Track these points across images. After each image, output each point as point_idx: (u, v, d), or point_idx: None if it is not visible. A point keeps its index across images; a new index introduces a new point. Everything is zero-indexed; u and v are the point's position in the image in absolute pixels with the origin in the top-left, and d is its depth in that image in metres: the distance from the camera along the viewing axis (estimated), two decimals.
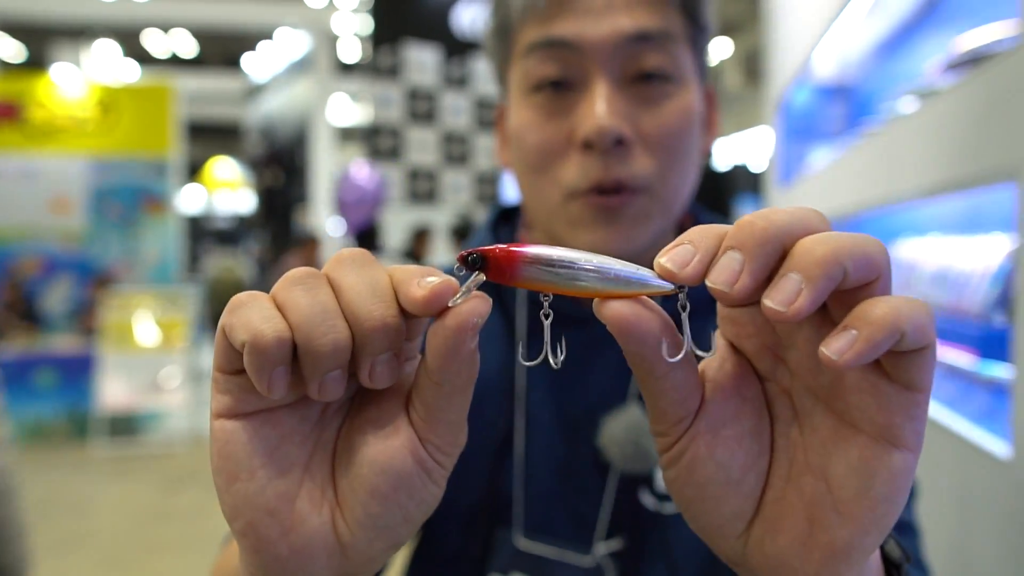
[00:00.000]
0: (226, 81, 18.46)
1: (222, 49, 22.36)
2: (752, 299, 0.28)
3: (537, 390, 0.70)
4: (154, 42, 16.47)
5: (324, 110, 11.95)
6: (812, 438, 0.32)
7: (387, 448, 0.33)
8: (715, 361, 0.34)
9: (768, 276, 0.28)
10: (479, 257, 0.31)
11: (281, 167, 12.35)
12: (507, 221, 0.80)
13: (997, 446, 0.94)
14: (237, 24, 13.55)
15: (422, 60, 7.57)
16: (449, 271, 0.33)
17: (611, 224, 0.63)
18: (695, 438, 0.32)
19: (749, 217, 0.29)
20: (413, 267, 0.32)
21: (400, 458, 0.33)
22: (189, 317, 5.94)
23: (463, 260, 0.32)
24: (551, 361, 0.33)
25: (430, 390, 0.32)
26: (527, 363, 0.34)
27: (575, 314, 0.69)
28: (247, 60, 16.87)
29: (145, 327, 5.54)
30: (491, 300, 0.32)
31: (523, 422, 0.69)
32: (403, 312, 0.31)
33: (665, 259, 0.29)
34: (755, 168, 7.38)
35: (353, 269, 0.32)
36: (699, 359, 0.33)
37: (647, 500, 0.65)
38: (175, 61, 19.25)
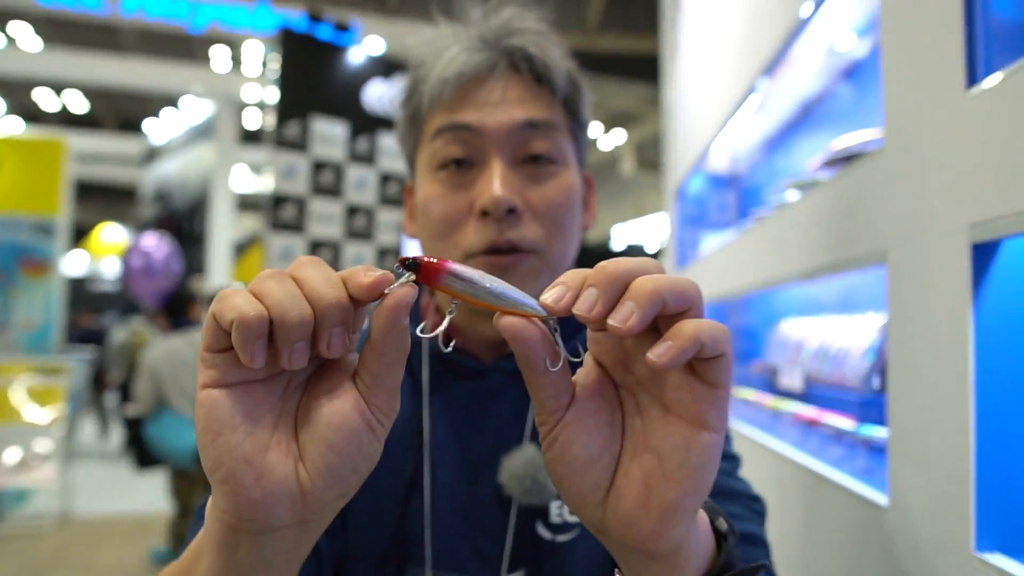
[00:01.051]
0: (120, 143, 17.90)
1: (119, 110, 21.73)
2: (604, 322, 0.37)
3: (441, 436, 0.76)
4: (45, 99, 15.80)
5: (225, 178, 11.73)
6: (649, 425, 0.41)
7: (340, 409, 0.41)
8: (583, 370, 0.44)
9: (615, 305, 0.38)
10: (414, 262, 0.40)
11: (174, 233, 11.94)
12: None
13: (877, 496, 1.03)
14: (137, 86, 13.26)
15: (329, 133, 7.60)
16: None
17: (503, 278, 0.72)
18: (566, 426, 0.42)
19: (603, 264, 0.39)
20: (358, 266, 0.41)
21: (351, 417, 0.41)
22: (67, 387, 5.57)
23: (402, 262, 0.41)
24: (440, 345, 0.44)
25: (374, 361, 0.41)
26: (423, 335, 0.43)
27: (475, 367, 0.77)
28: (145, 123, 16.46)
29: (15, 397, 5.15)
30: (417, 288, 0.41)
31: (428, 466, 0.74)
32: (351, 300, 0.40)
33: (546, 296, 0.39)
34: (650, 249, 7.77)
35: (311, 266, 0.40)
36: (573, 367, 0.43)
37: (543, 532, 0.72)
38: (66, 119, 18.49)
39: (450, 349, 0.49)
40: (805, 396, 1.88)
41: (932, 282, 0.89)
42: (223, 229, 11.65)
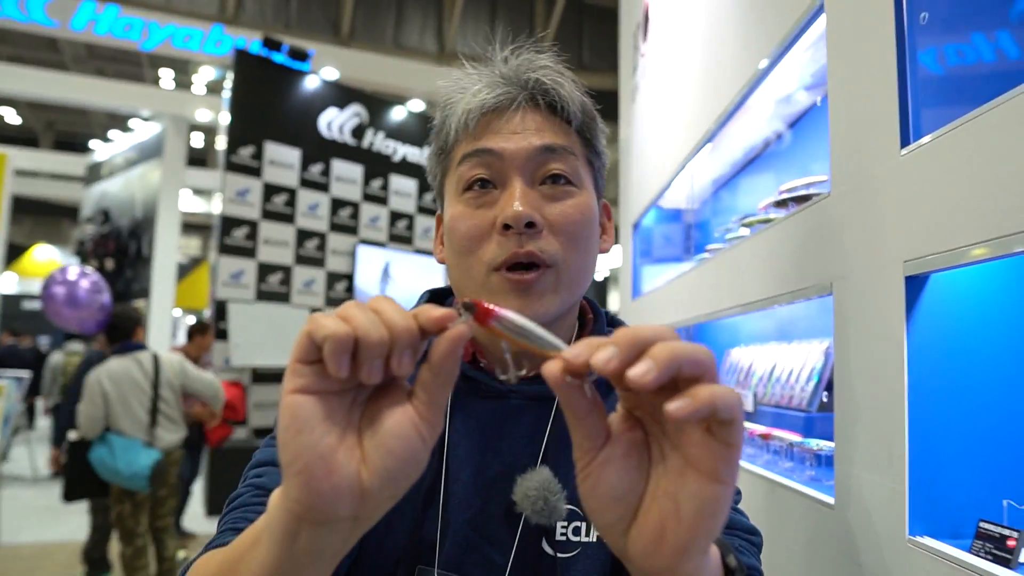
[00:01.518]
0: (57, 161, 17.44)
1: (56, 127, 21.15)
2: (623, 378, 0.44)
3: (460, 450, 0.82)
4: None
5: (172, 199, 11.53)
6: (670, 474, 0.47)
7: (399, 421, 0.47)
8: (617, 417, 0.51)
9: (631, 363, 0.43)
10: (472, 305, 0.48)
11: (114, 254, 11.62)
12: (439, 301, 0.94)
13: (825, 497, 1.18)
14: (83, 103, 13.00)
15: (282, 159, 7.61)
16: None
17: (524, 296, 0.77)
18: (599, 464, 0.48)
19: (626, 328, 0.46)
20: (426, 306, 0.48)
21: (407, 428, 0.47)
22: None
23: (463, 304, 0.48)
24: (510, 376, 0.52)
25: (430, 382, 0.47)
26: (502, 377, 0.52)
27: (497, 388, 0.84)
28: (88, 142, 16.09)
29: None
30: (471, 329, 0.48)
31: (444, 478, 0.81)
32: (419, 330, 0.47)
33: (567, 353, 0.45)
34: (598, 279, 7.95)
35: (386, 302, 0.47)
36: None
37: (547, 548, 0.80)
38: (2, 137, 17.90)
39: (510, 376, 0.52)
40: (754, 417, 2.04)
41: (872, 310, 1.05)
42: (168, 250, 11.43)
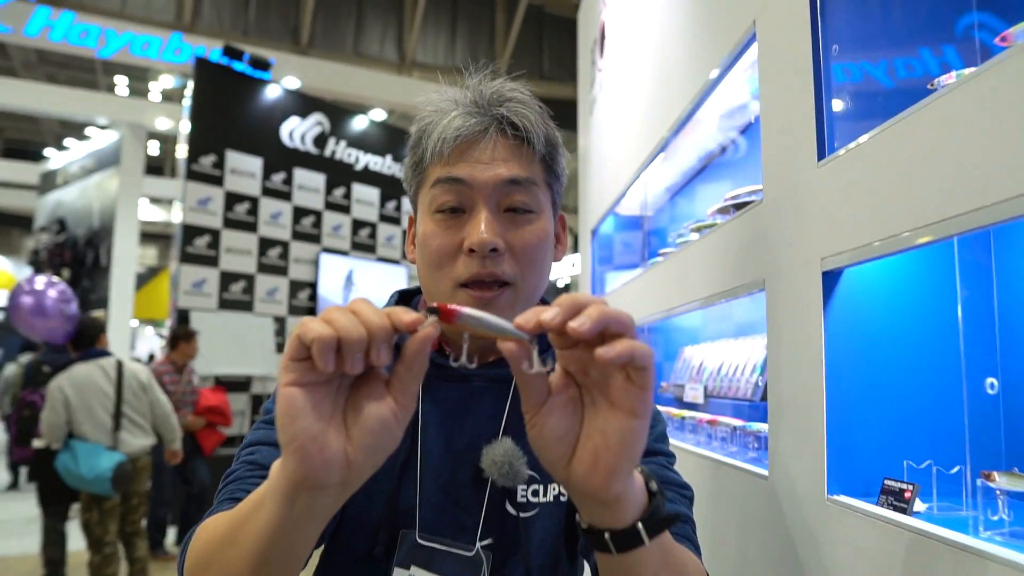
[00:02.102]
0: (8, 169, 17.07)
1: (11, 135, 20.64)
2: (564, 329, 0.55)
3: (430, 428, 0.95)
4: None
5: (130, 208, 11.40)
6: (599, 414, 0.58)
7: (378, 405, 0.57)
8: (555, 376, 0.61)
9: (571, 319, 0.55)
10: (436, 308, 0.57)
11: (70, 263, 11.43)
12: (407, 301, 1.08)
13: (760, 470, 1.32)
14: (36, 111, 12.78)
15: (244, 167, 7.62)
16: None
17: (487, 309, 0.87)
18: (543, 414, 0.59)
19: (571, 296, 0.58)
20: (398, 308, 0.56)
21: (384, 411, 0.57)
22: None
23: (428, 308, 0.57)
24: (464, 362, 0.61)
25: (405, 374, 0.57)
26: (454, 364, 0.62)
27: (461, 372, 0.96)
28: (41, 150, 15.77)
29: None
30: (439, 329, 0.57)
31: (418, 452, 0.94)
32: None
33: (519, 319, 0.56)
34: (560, 283, 8.10)
35: (363, 304, 0.56)
36: (548, 373, 0.60)
37: (510, 509, 0.93)
38: None
39: (469, 362, 0.61)
40: (705, 408, 2.19)
41: (797, 303, 1.20)
42: (127, 260, 11.30)
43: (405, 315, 0.55)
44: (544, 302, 1.03)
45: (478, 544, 0.91)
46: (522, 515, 0.93)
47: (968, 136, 0.82)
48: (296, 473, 0.55)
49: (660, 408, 1.03)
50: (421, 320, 0.56)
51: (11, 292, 3.93)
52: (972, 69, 0.84)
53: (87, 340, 4.09)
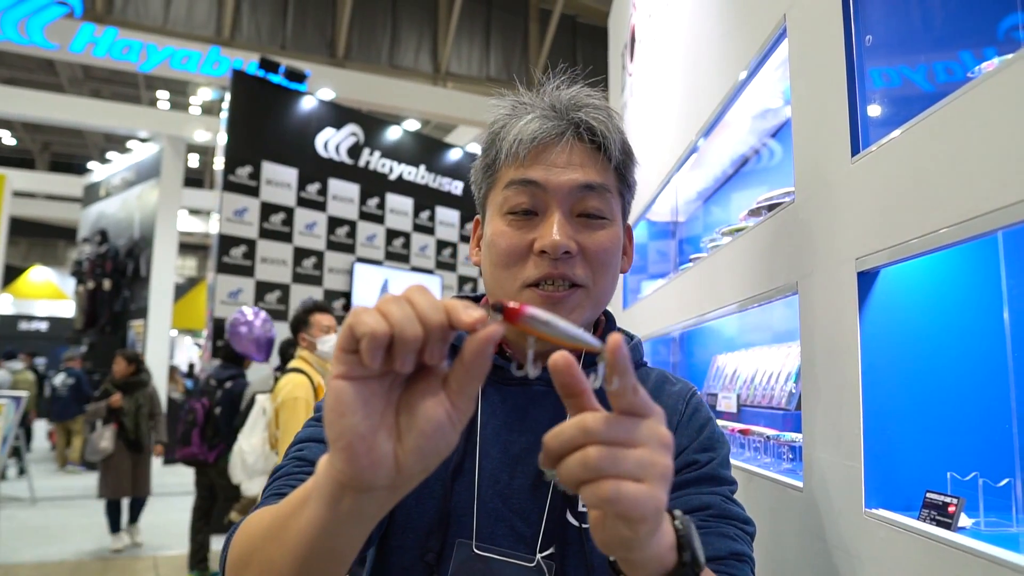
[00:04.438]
0: (54, 182, 17.55)
1: (52, 148, 21.27)
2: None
3: (488, 431, 0.91)
4: None
5: (170, 219, 11.62)
6: None
7: (432, 406, 0.52)
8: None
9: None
10: (500, 306, 0.52)
11: (111, 274, 11.68)
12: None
13: (795, 481, 1.27)
14: (82, 124, 13.13)
15: (279, 178, 7.71)
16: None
17: (554, 310, 0.84)
18: None
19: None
20: (458, 301, 0.51)
21: (439, 413, 0.52)
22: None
23: (492, 306, 0.52)
24: (528, 371, 0.55)
25: (462, 373, 0.52)
26: (517, 373, 0.58)
27: (520, 378, 0.93)
28: (84, 163, 16.20)
29: None
30: (503, 328, 0.51)
31: (476, 455, 0.90)
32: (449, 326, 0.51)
33: (610, 341, 0.50)
34: None
35: (420, 294, 0.51)
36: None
37: (571, 519, 0.88)
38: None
39: (528, 371, 0.55)
40: (738, 417, 2.13)
41: (831, 305, 1.14)
42: (166, 270, 11.51)
43: (465, 313, 0.50)
44: (608, 318, 1.01)
45: (538, 555, 0.86)
46: (584, 525, 0.87)
47: (1009, 124, 0.76)
48: (342, 473, 0.51)
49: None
50: (483, 320, 0.51)
51: (231, 321, 4.78)
52: (1012, 55, 0.79)
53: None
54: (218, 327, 6.98)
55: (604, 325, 1.00)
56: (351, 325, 0.50)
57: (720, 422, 2.15)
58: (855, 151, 1.08)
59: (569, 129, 0.89)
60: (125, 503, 6.30)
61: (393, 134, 8.86)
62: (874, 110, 1.11)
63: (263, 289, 7.49)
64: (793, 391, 1.81)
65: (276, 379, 4.82)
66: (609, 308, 1.01)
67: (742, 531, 0.85)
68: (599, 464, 0.50)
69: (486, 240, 0.93)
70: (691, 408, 0.94)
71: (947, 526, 0.90)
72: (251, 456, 3.96)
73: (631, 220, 3.33)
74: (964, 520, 0.92)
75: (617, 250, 0.91)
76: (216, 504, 5.17)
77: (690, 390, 0.96)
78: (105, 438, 6.00)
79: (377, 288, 8.29)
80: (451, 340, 0.52)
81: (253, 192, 7.46)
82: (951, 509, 0.91)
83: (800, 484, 1.24)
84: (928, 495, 0.96)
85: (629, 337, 1.01)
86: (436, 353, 0.51)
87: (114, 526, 6.15)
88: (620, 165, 0.92)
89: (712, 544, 0.80)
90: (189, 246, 21.78)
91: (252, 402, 4.23)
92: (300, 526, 0.58)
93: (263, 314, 4.97)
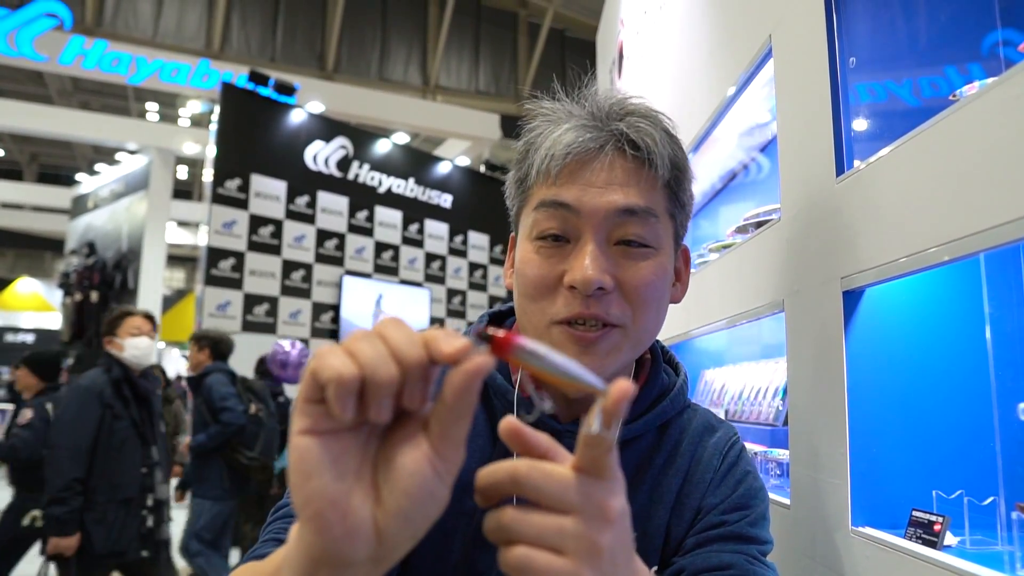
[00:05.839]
0: (41, 193, 17.45)
1: (45, 160, 21.17)
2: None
3: None
4: None
5: (158, 231, 11.57)
6: None
7: (413, 458, 0.44)
8: None
9: None
10: (488, 336, 0.45)
11: (98, 286, 11.59)
12: (500, 323, 0.95)
13: (783, 499, 1.27)
14: (70, 136, 13.07)
15: (268, 191, 7.69)
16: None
17: (585, 354, 0.75)
18: None
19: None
20: (439, 331, 0.44)
21: (421, 464, 0.43)
22: None
23: (478, 335, 0.45)
24: (544, 407, 0.48)
25: (444, 414, 0.44)
26: (528, 418, 0.49)
27: (551, 427, 0.82)
28: (71, 175, 16.12)
29: None
30: (495, 361, 0.44)
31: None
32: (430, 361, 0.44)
33: (617, 384, 0.43)
34: None
35: (395, 327, 0.44)
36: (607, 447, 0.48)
37: None
38: None
39: (546, 410, 0.49)
40: None
41: (817, 324, 1.15)
42: (153, 282, 11.44)
43: (446, 343, 0.43)
44: (653, 352, 0.91)
45: None
46: None
47: (993, 147, 0.78)
48: (313, 546, 0.43)
49: None
50: (467, 350, 0.43)
51: (271, 353, 5.27)
52: (995, 78, 0.80)
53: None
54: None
55: (650, 365, 0.90)
56: (314, 370, 0.42)
57: None
58: (840, 171, 1.09)
59: (610, 142, 0.77)
60: None
61: (382, 147, 8.87)
62: (860, 125, 1.12)
63: (251, 302, 7.46)
64: (780, 407, 1.82)
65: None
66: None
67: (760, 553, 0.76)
68: (511, 526, 0.45)
69: (516, 266, 0.83)
70: (727, 463, 0.84)
71: (933, 544, 0.91)
72: None
73: None
74: (950, 538, 0.92)
75: (662, 283, 0.79)
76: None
77: (729, 440, 0.87)
78: None
79: (370, 302, 8.28)
80: (435, 378, 0.45)
81: (242, 205, 7.44)
82: (937, 527, 0.92)
83: (787, 502, 1.25)
84: (914, 513, 0.97)
85: (675, 372, 0.92)
86: (417, 396, 0.44)
87: None
88: (671, 182, 0.80)
89: None
90: (177, 258, 21.67)
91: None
92: None
93: (299, 344, 5.35)
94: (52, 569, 3.36)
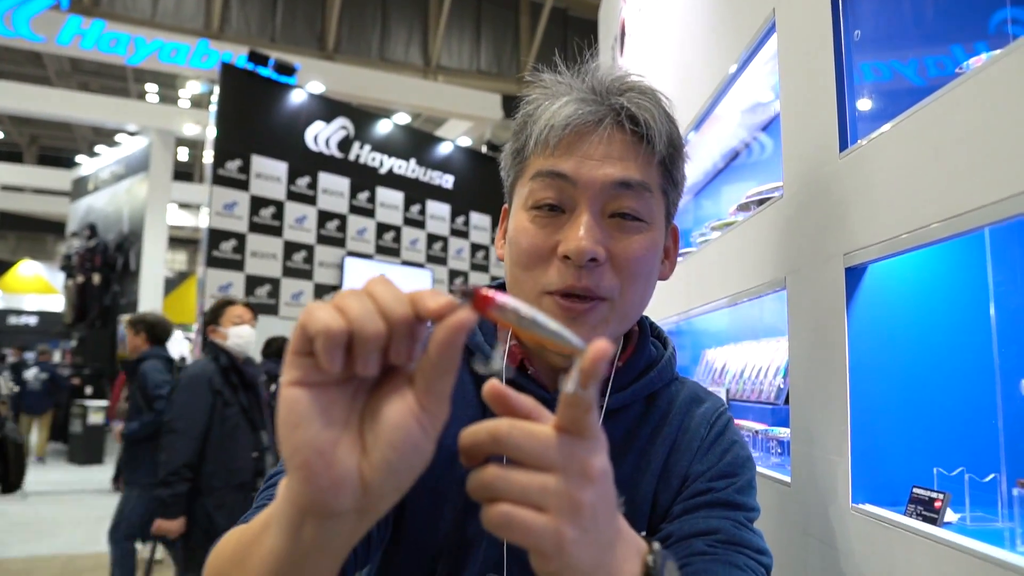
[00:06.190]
0: (42, 176, 17.42)
1: (45, 142, 21.10)
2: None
3: None
4: None
5: (159, 213, 11.56)
6: None
7: (398, 411, 0.44)
8: None
9: None
10: (470, 291, 0.45)
11: (100, 268, 11.60)
12: None
13: (783, 476, 1.27)
14: (70, 118, 13.02)
15: (269, 172, 7.68)
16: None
17: (573, 325, 0.76)
18: None
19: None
20: (425, 290, 0.45)
21: (406, 417, 0.44)
22: None
23: (461, 291, 0.45)
24: (492, 364, 0.48)
25: (428, 369, 0.45)
26: (482, 370, 0.53)
27: (540, 395, 0.82)
28: (72, 156, 16.08)
29: None
30: (476, 316, 0.45)
31: None
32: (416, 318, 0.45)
33: (595, 344, 0.44)
34: None
35: (382, 285, 0.45)
36: (587, 406, 0.47)
37: None
38: None
39: (493, 365, 0.49)
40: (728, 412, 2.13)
41: (819, 301, 1.14)
42: (155, 264, 11.45)
43: (432, 300, 0.44)
44: (641, 325, 0.92)
45: None
46: None
47: (998, 120, 0.76)
48: (300, 495, 0.44)
49: None
50: (452, 306, 0.44)
51: None
52: (1000, 50, 0.79)
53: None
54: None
55: (637, 337, 0.90)
56: (303, 324, 0.43)
57: None
58: (843, 147, 1.08)
59: (609, 116, 0.78)
60: None
61: (383, 128, 8.83)
62: (864, 104, 1.10)
63: (253, 283, 7.47)
64: (781, 386, 1.82)
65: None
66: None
67: (755, 561, 0.76)
68: (494, 484, 0.45)
69: (509, 235, 0.84)
70: (715, 432, 0.86)
71: (933, 521, 0.90)
72: None
73: None
74: (950, 515, 0.92)
75: (653, 258, 0.81)
76: None
77: (716, 411, 0.89)
78: None
79: None
80: (422, 336, 0.46)
81: (243, 186, 7.43)
82: (937, 504, 0.91)
83: (788, 479, 1.25)
84: (914, 490, 0.96)
85: (663, 346, 0.93)
86: (403, 351, 0.44)
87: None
88: (666, 160, 0.81)
89: (715, 572, 0.71)
90: (179, 240, 21.67)
91: None
92: (261, 556, 0.51)
93: None
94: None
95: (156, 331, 4.46)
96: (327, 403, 0.44)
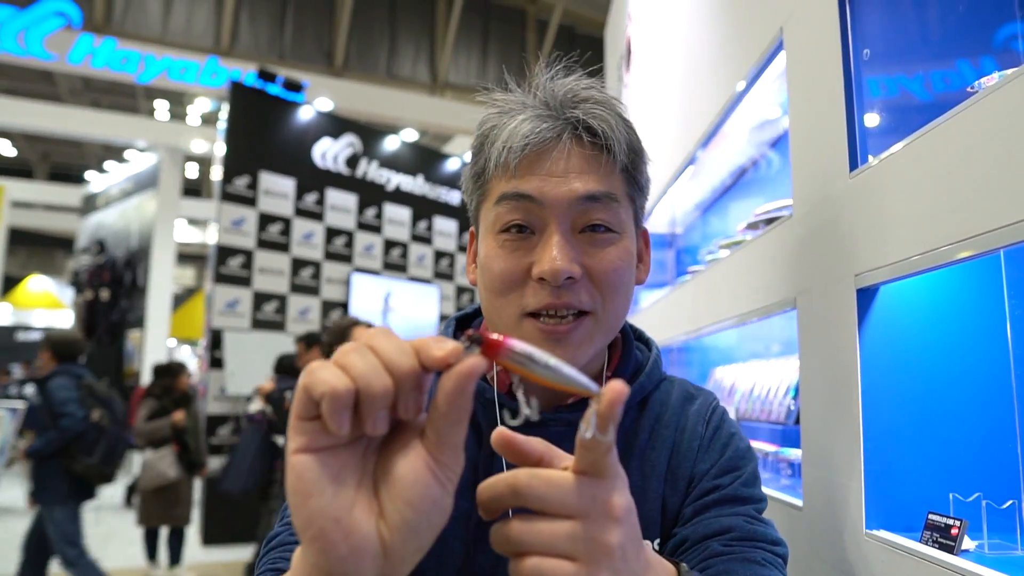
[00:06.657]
0: (52, 192, 17.54)
1: (56, 159, 21.28)
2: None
3: None
4: None
5: (168, 229, 11.61)
6: None
7: (412, 467, 0.43)
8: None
9: None
10: (479, 337, 0.44)
11: (109, 284, 11.64)
12: (466, 325, 0.93)
13: (795, 500, 1.24)
14: (80, 135, 13.13)
15: (277, 188, 7.70)
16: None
17: (558, 346, 0.75)
18: None
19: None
20: (428, 337, 0.44)
21: (422, 473, 0.43)
22: None
23: (469, 337, 0.44)
24: (528, 412, 0.46)
25: (439, 420, 0.43)
26: (511, 422, 0.48)
27: (536, 420, 0.81)
28: (82, 173, 16.20)
29: None
30: (487, 362, 0.43)
31: None
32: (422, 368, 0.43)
33: (609, 386, 0.42)
34: None
35: (384, 337, 0.43)
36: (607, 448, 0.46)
37: None
38: None
39: (531, 412, 0.47)
40: None
41: (830, 322, 1.12)
42: (163, 280, 11.49)
43: (437, 348, 0.42)
44: (623, 331, 0.91)
45: None
46: None
47: (1012, 139, 0.75)
48: (318, 568, 0.42)
49: None
50: (458, 352, 0.42)
51: None
52: (1014, 69, 0.77)
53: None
54: (215, 337, 6.96)
55: (621, 345, 0.90)
56: (306, 386, 0.42)
57: None
58: (853, 166, 1.07)
59: (566, 130, 0.77)
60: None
61: (391, 144, 8.86)
62: (872, 120, 1.09)
63: (261, 299, 7.46)
64: (792, 406, 1.79)
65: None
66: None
67: (771, 553, 0.75)
68: (520, 538, 0.44)
69: (480, 261, 0.83)
70: (712, 428, 0.85)
71: (950, 549, 0.88)
72: None
73: None
74: (967, 543, 0.90)
75: (628, 267, 0.80)
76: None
77: (710, 406, 0.88)
78: (168, 463, 5.35)
79: (378, 301, 8.27)
80: (428, 387, 0.44)
81: (251, 202, 7.44)
82: (954, 531, 0.89)
83: (799, 503, 1.22)
84: (930, 516, 0.94)
85: (647, 347, 0.92)
86: (411, 405, 0.43)
87: (153, 553, 5.59)
88: (628, 167, 0.80)
89: (735, 571, 0.71)
90: (187, 256, 21.76)
91: None
92: None
93: None
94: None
95: (60, 349, 4.41)
96: (337, 467, 0.43)
